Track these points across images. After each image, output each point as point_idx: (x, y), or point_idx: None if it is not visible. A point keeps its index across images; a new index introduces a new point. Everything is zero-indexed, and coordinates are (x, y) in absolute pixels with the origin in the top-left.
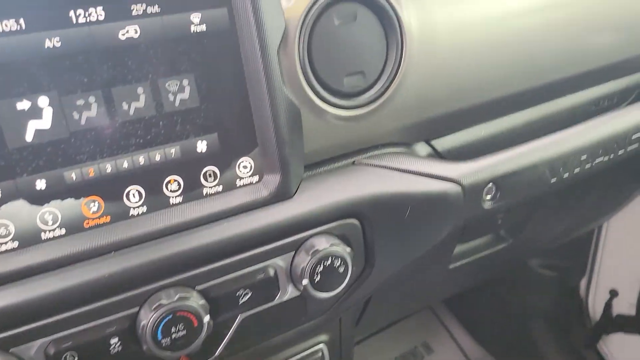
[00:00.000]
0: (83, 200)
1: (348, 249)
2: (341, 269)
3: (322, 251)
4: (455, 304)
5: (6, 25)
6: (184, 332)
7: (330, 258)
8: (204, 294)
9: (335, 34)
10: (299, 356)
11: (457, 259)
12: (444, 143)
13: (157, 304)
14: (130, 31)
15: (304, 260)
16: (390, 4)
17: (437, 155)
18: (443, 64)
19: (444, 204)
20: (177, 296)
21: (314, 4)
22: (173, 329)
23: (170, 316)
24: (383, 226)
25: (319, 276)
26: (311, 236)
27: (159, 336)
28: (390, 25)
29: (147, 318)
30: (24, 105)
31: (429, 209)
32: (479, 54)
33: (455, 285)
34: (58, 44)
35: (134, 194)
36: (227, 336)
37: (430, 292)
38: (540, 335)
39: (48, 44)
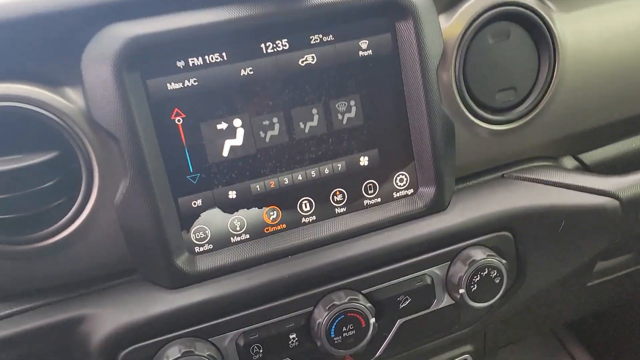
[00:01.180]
0: (265, 210)
1: (504, 261)
2: (497, 280)
3: (480, 262)
4: (580, 327)
5: (212, 58)
6: (353, 331)
7: (487, 269)
8: (369, 297)
9: (489, 52)
10: None
11: (597, 276)
12: (592, 156)
13: (330, 304)
14: (308, 58)
15: (460, 270)
16: (544, 20)
17: (585, 168)
18: (594, 77)
19: (600, 218)
20: (347, 298)
21: (470, 24)
22: (344, 328)
23: (342, 316)
24: (536, 240)
25: (475, 286)
26: (467, 247)
27: (332, 334)
28: (543, 42)
29: (322, 317)
30: (222, 126)
31: (584, 224)
32: (630, 65)
33: (590, 305)
34: (251, 72)
35: (305, 204)
36: (387, 339)
37: (561, 311)
38: None
39: (243, 72)
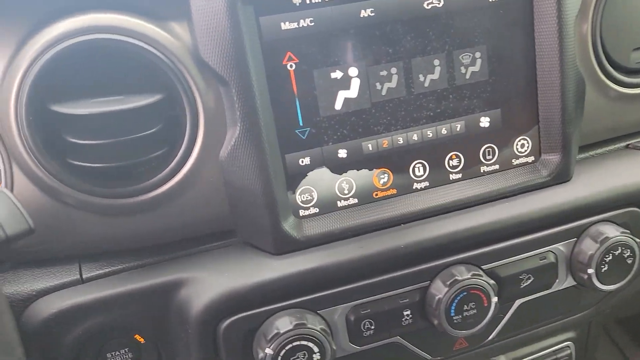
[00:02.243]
0: (375, 172)
1: (638, 240)
2: (629, 261)
3: (613, 239)
4: (631, 323)
5: None
6: (475, 310)
7: (620, 248)
8: (490, 274)
9: (628, 6)
10: (548, 351)
11: None
12: None
13: (451, 280)
14: (434, 1)
15: (590, 248)
16: None
17: None
18: None
19: None
20: (470, 273)
21: None
22: (465, 307)
23: (465, 293)
24: None
25: (605, 266)
26: (595, 223)
27: (452, 312)
28: None
29: (441, 292)
30: (336, 74)
31: None
32: None
33: None
34: (372, 14)
35: (418, 168)
36: (503, 321)
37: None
38: None
39: (363, 13)
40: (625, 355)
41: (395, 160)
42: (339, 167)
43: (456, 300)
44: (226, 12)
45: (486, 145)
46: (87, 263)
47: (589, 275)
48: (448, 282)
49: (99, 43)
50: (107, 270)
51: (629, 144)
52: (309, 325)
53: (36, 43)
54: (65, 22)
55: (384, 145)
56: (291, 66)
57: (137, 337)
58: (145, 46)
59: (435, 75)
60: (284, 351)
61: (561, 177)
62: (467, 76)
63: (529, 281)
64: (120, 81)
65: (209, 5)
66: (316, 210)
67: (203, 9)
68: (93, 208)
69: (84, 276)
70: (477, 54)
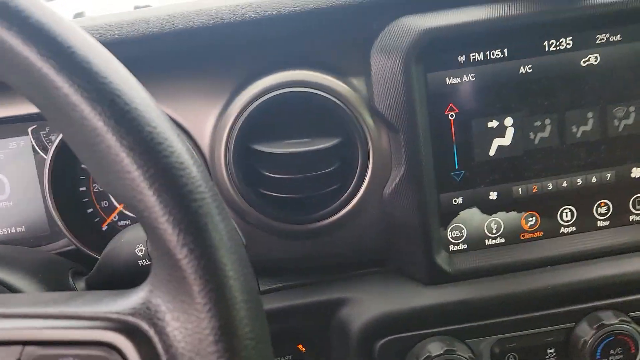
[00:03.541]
0: (523, 214)
1: None
2: None
3: None
4: None
5: (493, 54)
6: (621, 355)
7: None
8: (638, 321)
9: None
10: None
11: None
12: None
13: (599, 323)
14: (591, 58)
15: None
16: None
17: None
18: None
19: None
20: (618, 319)
21: None
22: (612, 351)
23: (612, 338)
24: None
25: None
26: None
27: (598, 355)
28: None
29: (588, 335)
30: (493, 124)
31: None
32: None
33: None
34: (530, 70)
35: (566, 214)
36: None
37: None
38: None
39: (522, 70)
40: None
41: (544, 205)
42: (489, 208)
43: (602, 344)
44: (402, 70)
45: (636, 195)
46: (263, 278)
47: None
48: (595, 325)
49: (293, 95)
50: (279, 285)
51: None
52: (458, 352)
53: (245, 95)
54: (267, 78)
55: (534, 191)
56: (452, 116)
57: (300, 346)
58: (329, 97)
59: (588, 127)
60: None
61: None
62: (620, 129)
63: None
64: (307, 126)
65: (387, 63)
66: (465, 246)
67: (381, 67)
68: (273, 231)
69: (261, 289)
70: (632, 108)
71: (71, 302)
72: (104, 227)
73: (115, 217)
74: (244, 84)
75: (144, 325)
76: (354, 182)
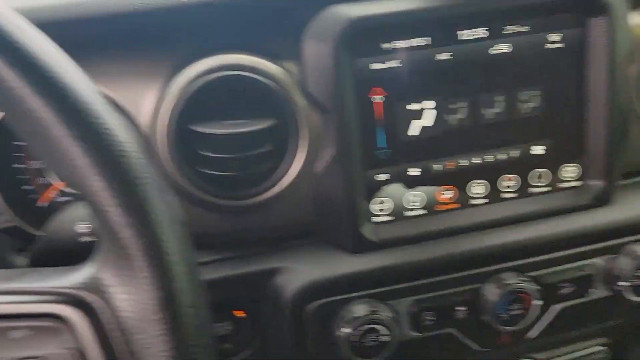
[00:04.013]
0: (441, 188)
1: None
2: None
3: None
4: None
5: (415, 42)
6: (519, 311)
7: None
8: (535, 280)
9: None
10: (581, 353)
11: None
12: None
13: (501, 283)
14: (502, 48)
15: (624, 264)
16: None
17: None
18: None
19: None
20: (518, 279)
21: None
22: (512, 307)
23: (512, 295)
24: None
25: (637, 280)
26: (632, 242)
27: (500, 310)
28: None
29: (492, 294)
30: (414, 107)
31: None
32: None
33: None
34: (447, 58)
35: (478, 187)
36: (543, 322)
37: None
38: None
39: (440, 57)
40: None
41: (459, 179)
42: (410, 183)
43: (504, 301)
44: (332, 56)
45: (538, 170)
46: (203, 251)
47: (623, 288)
48: (498, 285)
49: (229, 77)
50: (218, 257)
51: None
52: (380, 313)
53: (183, 77)
54: (205, 61)
55: (450, 167)
56: (377, 99)
57: (237, 312)
58: (264, 80)
59: (497, 110)
60: (358, 331)
61: (603, 200)
62: (525, 111)
63: (569, 289)
64: (244, 107)
65: (318, 49)
66: (388, 218)
67: (313, 52)
68: (212, 207)
69: (201, 261)
70: (535, 92)
71: (22, 278)
72: (43, 204)
73: (54, 194)
74: (181, 66)
75: (92, 298)
76: (287, 161)
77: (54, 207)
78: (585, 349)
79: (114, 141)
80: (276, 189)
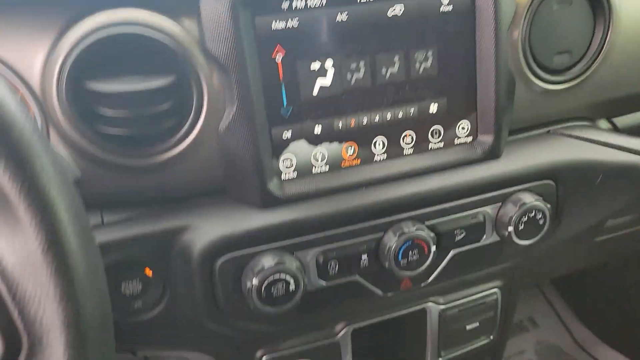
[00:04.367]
0: (344, 145)
1: (549, 205)
2: (541, 222)
3: (529, 204)
4: (562, 283)
5: (313, 3)
6: (417, 257)
7: (534, 211)
8: (431, 228)
9: (552, 17)
10: (477, 296)
11: (606, 232)
12: (624, 121)
13: (400, 232)
14: (396, 9)
15: (511, 211)
16: None
17: (617, 131)
18: None
19: (633, 175)
20: (415, 227)
21: None
22: (410, 253)
23: (409, 242)
24: (574, 190)
25: (522, 225)
26: (516, 192)
27: (399, 257)
28: (600, 10)
29: (392, 242)
30: (315, 65)
31: (618, 179)
32: None
33: (591, 259)
34: (346, 18)
35: (379, 143)
36: (440, 267)
37: (570, 262)
38: None
39: (339, 17)
40: (557, 311)
41: (361, 136)
42: (314, 140)
43: (403, 247)
44: (229, 15)
45: (434, 127)
46: (107, 211)
47: (509, 233)
48: (397, 233)
49: (125, 33)
50: (123, 216)
51: (549, 130)
52: (287, 264)
53: (74, 33)
54: (97, 16)
55: (352, 124)
56: (279, 58)
57: (147, 270)
58: (160, 36)
59: (395, 69)
60: (266, 282)
61: (493, 154)
62: (420, 71)
63: (462, 235)
64: (143, 65)
65: (215, 6)
66: (295, 174)
67: (210, 9)
68: (114, 166)
69: (105, 221)
70: (429, 53)
71: None
72: None
73: None
74: (71, 22)
75: None
76: (190, 119)
77: None
78: (479, 292)
79: None
80: (180, 148)
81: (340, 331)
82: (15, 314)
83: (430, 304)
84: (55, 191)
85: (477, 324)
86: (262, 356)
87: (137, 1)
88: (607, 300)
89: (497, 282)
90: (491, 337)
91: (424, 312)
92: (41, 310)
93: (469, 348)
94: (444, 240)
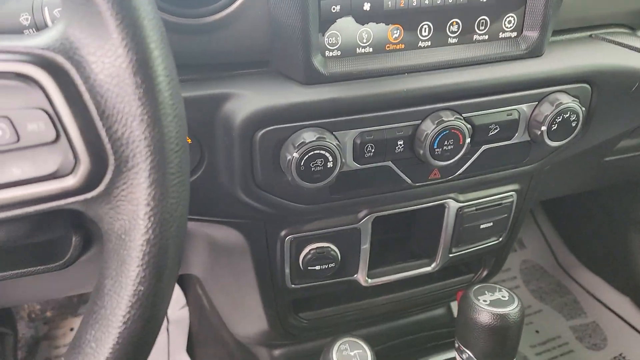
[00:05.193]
0: (391, 27)
1: (583, 108)
2: (573, 124)
3: (565, 105)
4: (552, 208)
5: None
6: (451, 146)
7: (569, 112)
8: (467, 121)
9: None
10: (495, 197)
11: (616, 152)
12: None
13: (439, 120)
14: None
15: (547, 110)
16: None
17: None
18: None
19: None
20: (453, 117)
21: None
22: (445, 142)
23: (447, 132)
24: (609, 95)
25: (555, 125)
26: (555, 92)
27: (435, 145)
28: None
29: (429, 129)
30: None
31: None
32: None
33: (595, 181)
34: None
35: (425, 29)
36: (470, 160)
37: (578, 181)
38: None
39: None
40: (544, 235)
41: (408, 19)
42: (362, 18)
43: (439, 136)
44: None
45: (481, 17)
46: None
47: (542, 132)
48: (436, 121)
49: None
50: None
51: (591, 34)
52: (327, 140)
53: None
54: None
55: (401, 4)
56: None
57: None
58: None
59: None
60: (307, 156)
61: (535, 52)
62: None
63: (496, 131)
64: None
65: None
66: (339, 52)
67: None
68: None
69: None
70: None
71: None
72: None
73: None
74: None
75: (61, 59)
76: None
77: None
78: (497, 194)
79: None
80: (229, 10)
81: (363, 218)
82: (103, 133)
83: (450, 200)
84: (148, 11)
85: (490, 224)
86: (287, 236)
87: None
88: (593, 226)
89: (515, 186)
90: (500, 238)
91: (442, 207)
92: (128, 131)
93: (479, 247)
94: (477, 134)
